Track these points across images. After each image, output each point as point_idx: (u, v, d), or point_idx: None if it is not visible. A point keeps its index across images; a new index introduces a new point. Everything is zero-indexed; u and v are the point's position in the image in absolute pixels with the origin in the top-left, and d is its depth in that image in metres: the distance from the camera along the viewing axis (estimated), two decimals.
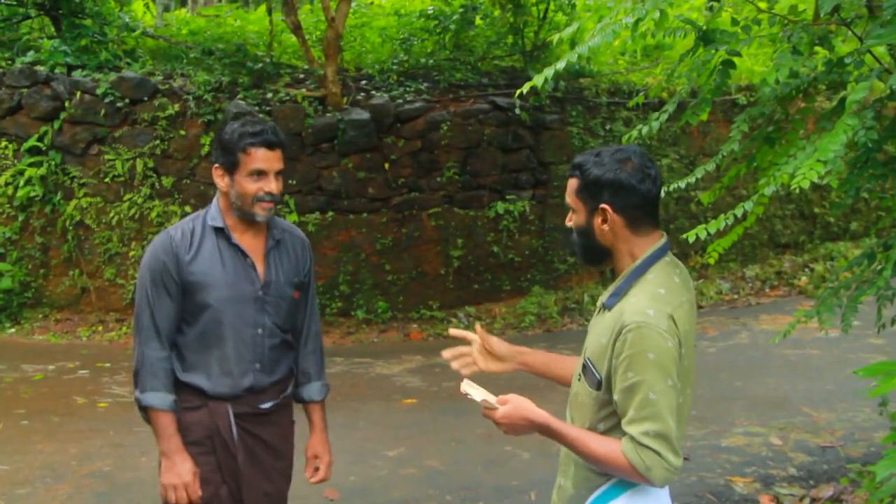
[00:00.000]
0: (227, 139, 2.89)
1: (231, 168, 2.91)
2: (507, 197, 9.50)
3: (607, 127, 10.01)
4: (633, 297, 2.30)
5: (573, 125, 9.81)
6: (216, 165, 2.96)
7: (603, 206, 2.33)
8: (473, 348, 2.79)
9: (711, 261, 3.71)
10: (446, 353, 2.79)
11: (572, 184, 2.40)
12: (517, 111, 9.34)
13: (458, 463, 5.58)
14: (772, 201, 11.01)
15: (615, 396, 2.28)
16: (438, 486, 5.21)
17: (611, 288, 2.41)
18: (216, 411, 3.00)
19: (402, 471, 5.39)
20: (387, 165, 9.06)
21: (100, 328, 8.71)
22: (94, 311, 8.92)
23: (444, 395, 6.91)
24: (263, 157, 2.89)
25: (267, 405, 3.09)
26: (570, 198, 2.42)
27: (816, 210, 11.51)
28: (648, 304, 2.26)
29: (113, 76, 8.73)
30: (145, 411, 2.94)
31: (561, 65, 3.14)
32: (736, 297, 10.39)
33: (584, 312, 9.58)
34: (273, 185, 2.92)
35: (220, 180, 2.95)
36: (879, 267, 3.52)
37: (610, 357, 2.28)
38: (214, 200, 3.03)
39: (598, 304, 2.49)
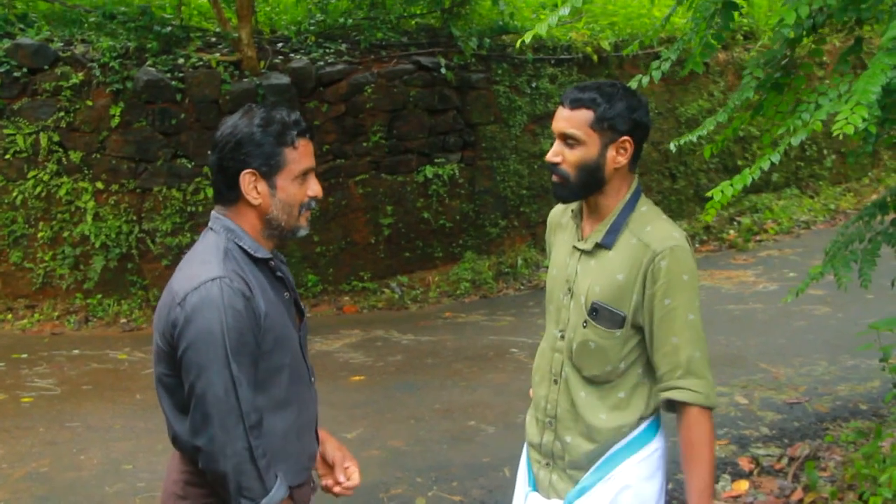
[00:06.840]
0: (261, 133, 2.13)
1: (272, 171, 2.15)
2: (436, 160, 9.18)
3: (533, 84, 9.75)
4: (647, 227, 2.31)
5: (499, 83, 9.53)
6: (248, 171, 2.15)
7: (625, 138, 2.32)
8: None
9: (709, 218, 3.47)
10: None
11: (584, 115, 2.30)
12: (443, 71, 9.01)
13: (422, 441, 5.29)
14: (696, 155, 10.98)
15: (651, 327, 2.27)
16: (406, 467, 4.92)
17: (602, 226, 2.36)
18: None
19: (364, 453, 5.06)
20: None
21: (9, 316, 8.04)
22: (0, 298, 8.25)
23: (391, 370, 6.60)
24: (311, 152, 2.22)
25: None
26: (579, 129, 2.31)
27: (739, 162, 11.50)
28: (671, 228, 2.32)
29: (7, 43, 8.02)
30: None
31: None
32: None
33: (519, 276, 9.36)
34: (319, 187, 2.27)
35: (252, 191, 2.16)
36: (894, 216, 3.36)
37: (641, 289, 2.28)
38: (231, 224, 2.20)
39: (586, 246, 2.39)
